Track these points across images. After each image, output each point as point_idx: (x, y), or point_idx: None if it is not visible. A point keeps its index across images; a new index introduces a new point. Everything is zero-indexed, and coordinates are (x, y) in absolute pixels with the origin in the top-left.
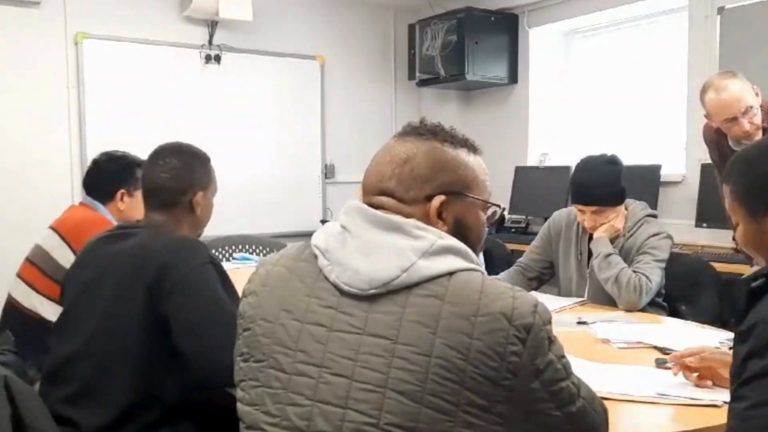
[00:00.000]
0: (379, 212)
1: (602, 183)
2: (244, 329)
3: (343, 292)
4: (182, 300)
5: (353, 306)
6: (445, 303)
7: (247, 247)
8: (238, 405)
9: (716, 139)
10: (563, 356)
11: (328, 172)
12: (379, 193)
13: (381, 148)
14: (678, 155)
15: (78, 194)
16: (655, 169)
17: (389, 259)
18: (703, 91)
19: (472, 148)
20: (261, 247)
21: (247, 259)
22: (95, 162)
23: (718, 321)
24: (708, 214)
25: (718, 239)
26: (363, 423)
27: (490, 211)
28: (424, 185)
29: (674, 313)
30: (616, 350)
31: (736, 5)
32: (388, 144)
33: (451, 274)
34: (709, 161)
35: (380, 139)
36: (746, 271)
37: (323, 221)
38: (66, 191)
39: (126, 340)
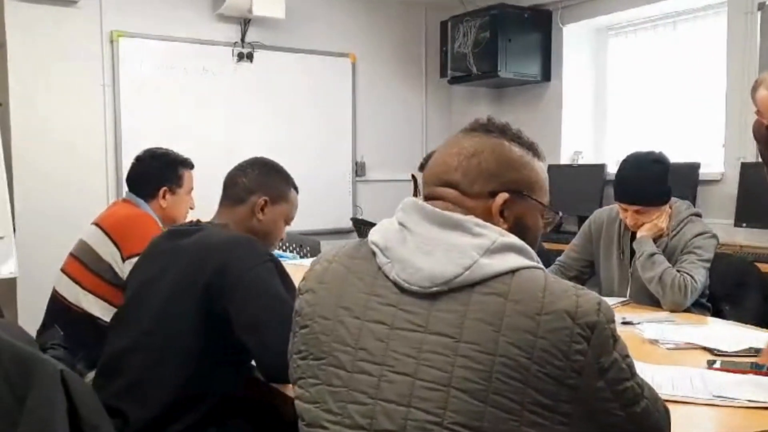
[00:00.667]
0: (437, 209)
1: (647, 182)
2: (301, 327)
3: (403, 290)
4: (243, 298)
5: (414, 304)
6: (509, 301)
7: (279, 244)
8: (297, 402)
9: (767, 135)
10: (627, 356)
11: (359, 169)
12: (443, 184)
13: (446, 140)
14: (716, 153)
15: (113, 190)
16: (693, 168)
17: (451, 257)
18: (754, 88)
19: (536, 153)
20: (294, 245)
21: (281, 256)
22: (138, 159)
23: (763, 322)
24: (748, 213)
25: (758, 239)
26: (427, 422)
27: (548, 217)
28: (489, 180)
29: (718, 313)
30: (665, 351)
31: None
32: (454, 137)
33: (513, 271)
34: (750, 160)
35: (411, 137)
36: None
37: (353, 219)
38: (101, 187)
39: (179, 336)
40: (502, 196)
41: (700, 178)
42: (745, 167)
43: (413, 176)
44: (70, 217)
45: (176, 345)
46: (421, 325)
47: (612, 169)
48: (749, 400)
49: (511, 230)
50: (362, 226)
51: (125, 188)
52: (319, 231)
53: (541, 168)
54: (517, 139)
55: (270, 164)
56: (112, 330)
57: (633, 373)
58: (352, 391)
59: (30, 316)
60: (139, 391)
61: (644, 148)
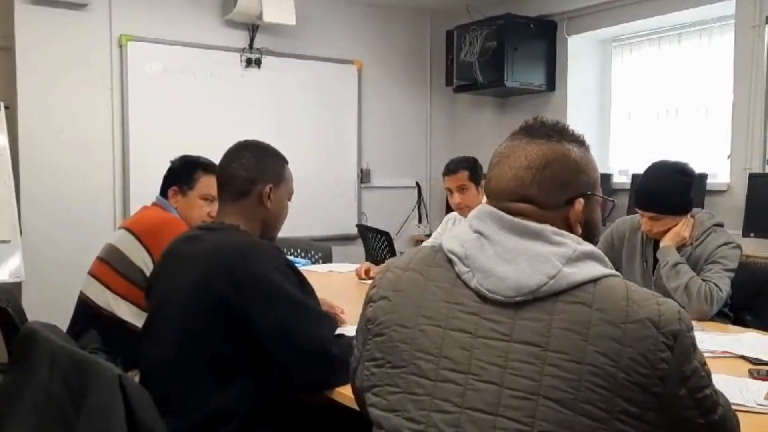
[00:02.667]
0: (515, 219)
1: (665, 191)
2: (375, 335)
3: (485, 299)
4: (263, 307)
5: (497, 313)
6: (594, 310)
7: (291, 250)
8: (372, 410)
9: None
10: (705, 363)
11: (364, 176)
12: (519, 199)
13: (506, 149)
14: (722, 164)
15: (120, 194)
16: (700, 179)
17: (534, 266)
18: None
19: (587, 145)
20: (307, 251)
21: (294, 262)
22: (170, 162)
23: None
24: (755, 223)
25: (767, 249)
26: (516, 430)
27: (607, 207)
28: (563, 189)
29: (740, 322)
30: None
31: None
32: (515, 145)
33: (595, 280)
34: (757, 171)
35: (415, 144)
36: None
37: (359, 225)
38: (108, 191)
39: (204, 348)
40: (580, 203)
41: (707, 188)
42: (752, 177)
43: (417, 183)
44: (76, 221)
45: (204, 357)
46: (506, 333)
47: (617, 179)
48: None
49: (584, 233)
50: (368, 233)
51: (133, 192)
52: (326, 237)
53: (595, 161)
54: (572, 136)
55: (261, 146)
56: (144, 341)
57: (710, 381)
58: (437, 400)
59: (36, 320)
60: (173, 404)
61: (649, 158)
